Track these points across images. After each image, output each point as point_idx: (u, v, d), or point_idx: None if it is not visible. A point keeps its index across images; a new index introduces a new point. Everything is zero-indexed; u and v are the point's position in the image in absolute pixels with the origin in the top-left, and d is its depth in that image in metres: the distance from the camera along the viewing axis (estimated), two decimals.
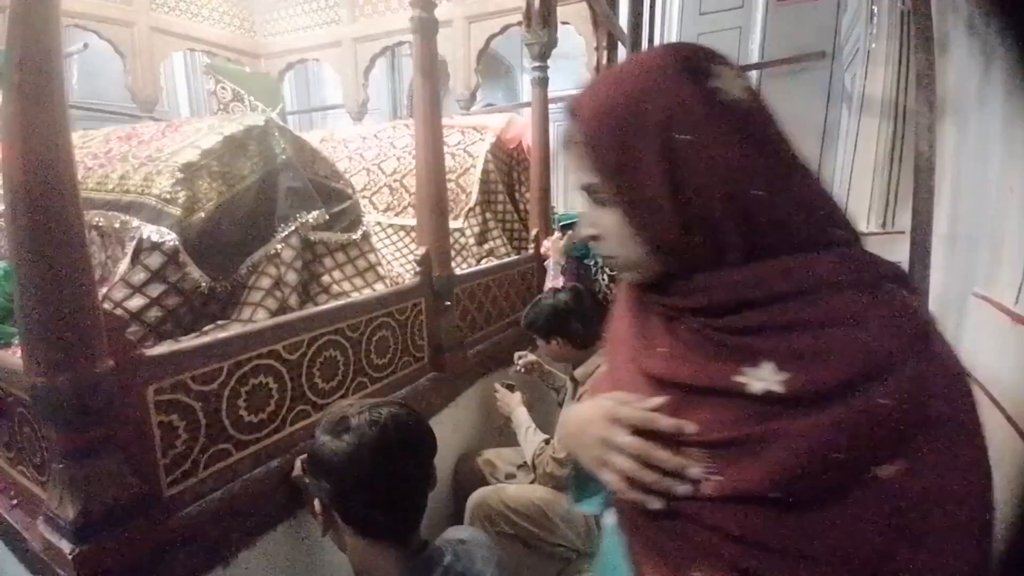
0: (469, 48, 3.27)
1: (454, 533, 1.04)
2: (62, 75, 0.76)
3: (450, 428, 1.88)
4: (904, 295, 0.51)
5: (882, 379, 0.46)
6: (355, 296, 1.56)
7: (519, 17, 2.55)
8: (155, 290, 1.23)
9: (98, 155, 1.55)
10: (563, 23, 2.88)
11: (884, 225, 3.08)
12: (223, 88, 3.08)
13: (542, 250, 2.40)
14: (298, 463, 1.19)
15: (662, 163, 0.51)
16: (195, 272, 1.28)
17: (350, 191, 1.72)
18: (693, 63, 0.53)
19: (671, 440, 0.54)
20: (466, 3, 3.21)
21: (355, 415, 0.92)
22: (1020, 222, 1.30)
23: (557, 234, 2.43)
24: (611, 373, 0.69)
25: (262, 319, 1.32)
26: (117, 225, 1.30)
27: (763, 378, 0.49)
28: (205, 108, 5.25)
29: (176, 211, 1.26)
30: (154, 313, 1.23)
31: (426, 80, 1.64)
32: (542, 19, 2.41)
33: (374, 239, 1.83)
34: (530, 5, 2.41)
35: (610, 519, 0.68)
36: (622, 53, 3.28)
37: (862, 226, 3.11)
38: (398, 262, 2.20)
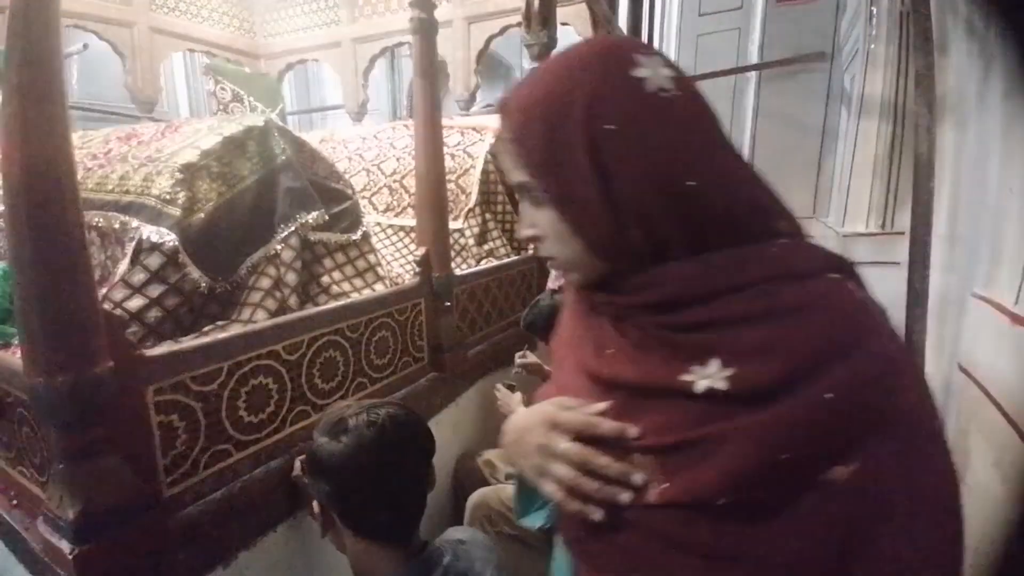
0: (469, 49, 3.27)
1: (453, 533, 1.04)
2: (62, 75, 0.76)
3: (450, 428, 1.88)
4: (850, 286, 0.50)
5: (826, 372, 0.44)
6: (355, 297, 1.56)
7: (519, 18, 2.55)
8: (155, 290, 1.23)
9: (98, 156, 1.55)
10: (563, 24, 2.88)
11: (884, 226, 3.08)
12: (223, 89, 3.08)
13: None
14: (298, 463, 1.19)
15: (589, 157, 0.49)
16: (195, 272, 1.28)
17: (350, 192, 1.72)
18: (616, 53, 0.52)
19: (615, 446, 0.52)
20: (466, 4, 3.21)
21: (353, 416, 0.92)
22: (1019, 223, 1.30)
23: None
24: (556, 378, 0.66)
25: (262, 319, 1.32)
26: (117, 226, 1.30)
27: (709, 375, 0.47)
28: (205, 109, 5.25)
29: (176, 212, 1.26)
30: (154, 313, 1.23)
31: (426, 81, 1.64)
32: (542, 20, 2.41)
33: (374, 240, 1.82)
34: (530, 6, 2.41)
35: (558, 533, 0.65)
36: None
37: (861, 227, 3.12)
38: (398, 263, 2.20)
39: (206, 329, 1.28)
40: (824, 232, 3.77)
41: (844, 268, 0.51)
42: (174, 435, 1.00)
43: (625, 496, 0.50)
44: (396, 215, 2.55)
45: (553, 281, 2.23)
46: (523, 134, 0.54)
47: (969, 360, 1.48)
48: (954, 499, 0.46)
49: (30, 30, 0.73)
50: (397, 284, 1.75)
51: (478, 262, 2.41)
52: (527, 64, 2.72)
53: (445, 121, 2.00)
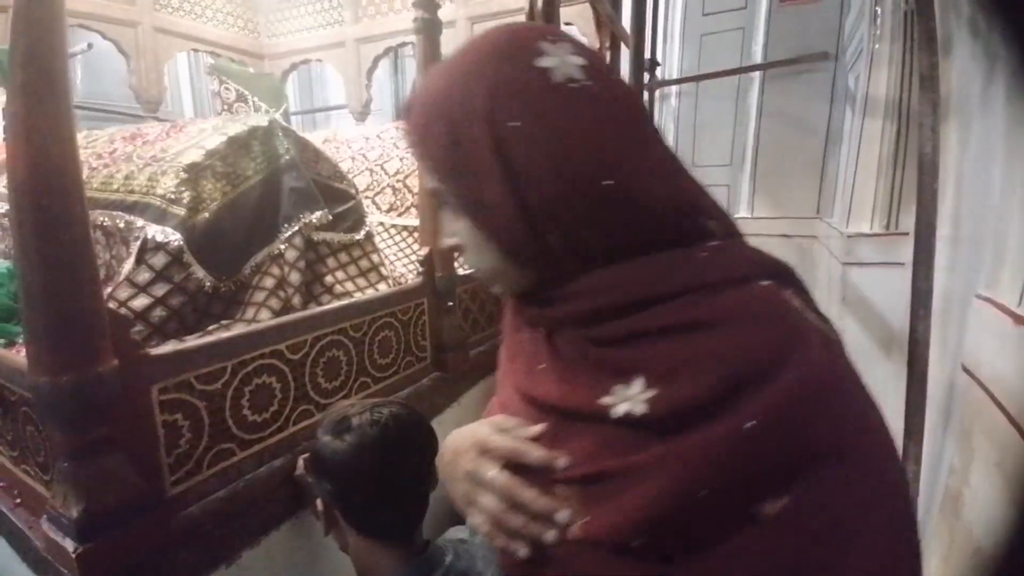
0: None
1: (455, 533, 1.04)
2: (67, 75, 0.77)
3: (453, 428, 1.85)
4: (785, 294, 0.45)
5: (748, 397, 0.40)
6: (358, 296, 1.56)
7: (522, 18, 2.55)
8: (159, 290, 1.24)
9: (103, 155, 1.56)
10: (566, 24, 2.88)
11: (888, 226, 3.07)
12: (227, 89, 3.09)
13: None
14: (301, 462, 1.20)
15: (496, 157, 0.45)
16: (199, 272, 1.28)
17: (353, 191, 1.73)
18: (519, 42, 0.48)
19: (543, 475, 0.47)
20: (469, 4, 3.21)
21: (356, 415, 0.93)
22: (1023, 224, 1.30)
23: None
24: (499, 396, 0.62)
25: (266, 319, 1.32)
26: (122, 225, 1.30)
27: (630, 398, 0.43)
28: (209, 108, 5.27)
29: (180, 211, 1.27)
30: (158, 313, 1.23)
31: None
32: (545, 20, 2.42)
33: (377, 239, 1.83)
34: (533, 6, 2.41)
35: None
36: (625, 55, 3.27)
37: (865, 227, 3.11)
38: (401, 262, 2.20)
39: (210, 328, 1.29)
40: (828, 232, 3.76)
41: (780, 273, 0.47)
42: (178, 434, 1.00)
43: (550, 535, 0.46)
44: (399, 215, 2.55)
45: None
46: (426, 135, 0.50)
47: (973, 361, 1.47)
48: (908, 511, 0.43)
49: (35, 29, 0.73)
50: (400, 284, 1.75)
51: None
52: None
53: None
